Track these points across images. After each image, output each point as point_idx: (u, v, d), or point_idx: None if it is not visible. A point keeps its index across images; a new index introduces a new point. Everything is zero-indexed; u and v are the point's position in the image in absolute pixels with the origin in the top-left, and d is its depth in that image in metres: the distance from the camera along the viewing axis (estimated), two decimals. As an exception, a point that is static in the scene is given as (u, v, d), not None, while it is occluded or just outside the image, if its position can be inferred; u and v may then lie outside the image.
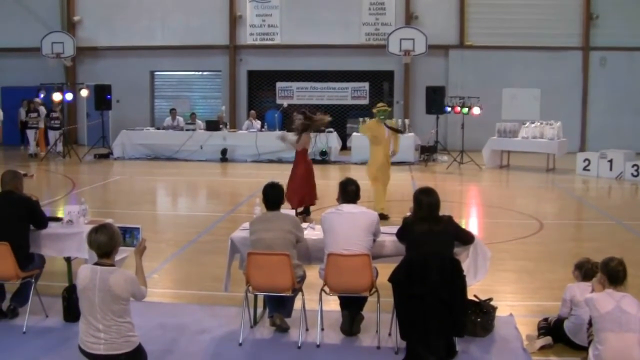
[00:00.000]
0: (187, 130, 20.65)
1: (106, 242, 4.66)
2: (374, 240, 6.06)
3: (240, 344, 5.84)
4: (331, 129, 20.35)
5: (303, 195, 11.04)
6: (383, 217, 10.59)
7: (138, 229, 5.91)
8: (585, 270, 5.85)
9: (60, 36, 23.69)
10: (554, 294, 6.99)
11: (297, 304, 6.15)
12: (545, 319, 6.00)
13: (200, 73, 26.06)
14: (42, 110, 21.26)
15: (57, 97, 20.75)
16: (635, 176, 16.50)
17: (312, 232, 6.55)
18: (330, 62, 24.06)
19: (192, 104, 25.35)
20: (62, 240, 6.59)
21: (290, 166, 11.55)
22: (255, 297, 6.34)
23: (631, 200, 14.95)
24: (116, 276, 4.60)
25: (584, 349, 5.34)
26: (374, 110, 11.51)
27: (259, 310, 6.50)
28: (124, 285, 4.60)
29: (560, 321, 5.83)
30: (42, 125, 21.35)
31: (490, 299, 6.23)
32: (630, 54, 23.14)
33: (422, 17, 23.82)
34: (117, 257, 5.00)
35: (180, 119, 21.46)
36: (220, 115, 21.70)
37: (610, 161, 16.99)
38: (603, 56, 23.46)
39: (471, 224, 11.90)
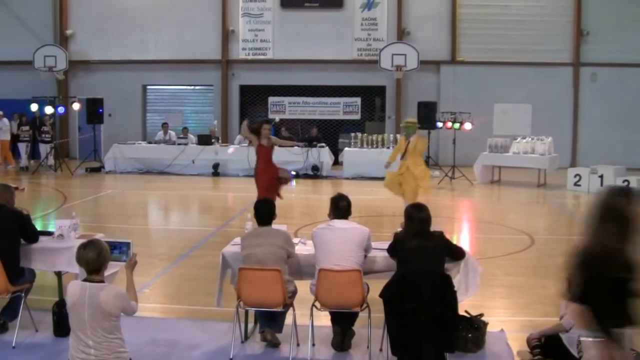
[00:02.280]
0: (179, 144, 20.64)
1: (95, 259, 4.62)
2: (365, 256, 6.07)
3: (231, 359, 5.82)
4: (323, 144, 20.38)
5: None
6: None
7: (129, 243, 5.88)
8: None
9: (52, 49, 23.76)
10: (545, 309, 7.01)
11: (288, 319, 6.14)
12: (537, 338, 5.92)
13: (192, 87, 26.08)
14: (5, 122, 21.27)
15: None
16: (626, 192, 16.52)
17: (303, 248, 6.56)
18: (323, 77, 24.15)
19: (184, 118, 25.35)
20: (53, 255, 6.56)
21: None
22: (247, 312, 6.32)
23: (621, 216, 14.98)
24: (106, 293, 4.56)
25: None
26: (402, 125, 11.55)
27: (250, 325, 6.48)
28: (114, 302, 4.56)
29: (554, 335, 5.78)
30: (5, 137, 21.32)
31: (482, 315, 6.23)
32: (620, 70, 23.35)
33: (414, 33, 23.97)
34: (107, 273, 4.97)
35: (172, 133, 21.44)
36: (212, 129, 21.70)
37: (601, 177, 17.01)
38: (594, 72, 23.67)
39: (462, 239, 11.92)
